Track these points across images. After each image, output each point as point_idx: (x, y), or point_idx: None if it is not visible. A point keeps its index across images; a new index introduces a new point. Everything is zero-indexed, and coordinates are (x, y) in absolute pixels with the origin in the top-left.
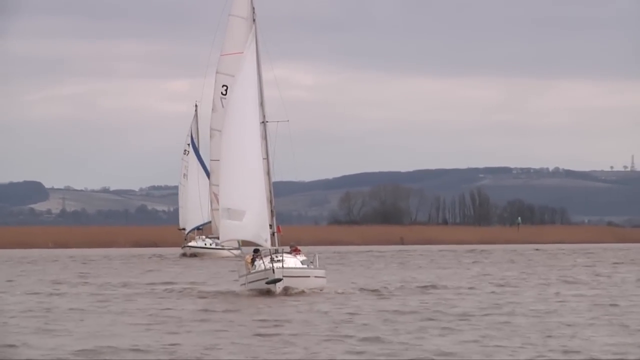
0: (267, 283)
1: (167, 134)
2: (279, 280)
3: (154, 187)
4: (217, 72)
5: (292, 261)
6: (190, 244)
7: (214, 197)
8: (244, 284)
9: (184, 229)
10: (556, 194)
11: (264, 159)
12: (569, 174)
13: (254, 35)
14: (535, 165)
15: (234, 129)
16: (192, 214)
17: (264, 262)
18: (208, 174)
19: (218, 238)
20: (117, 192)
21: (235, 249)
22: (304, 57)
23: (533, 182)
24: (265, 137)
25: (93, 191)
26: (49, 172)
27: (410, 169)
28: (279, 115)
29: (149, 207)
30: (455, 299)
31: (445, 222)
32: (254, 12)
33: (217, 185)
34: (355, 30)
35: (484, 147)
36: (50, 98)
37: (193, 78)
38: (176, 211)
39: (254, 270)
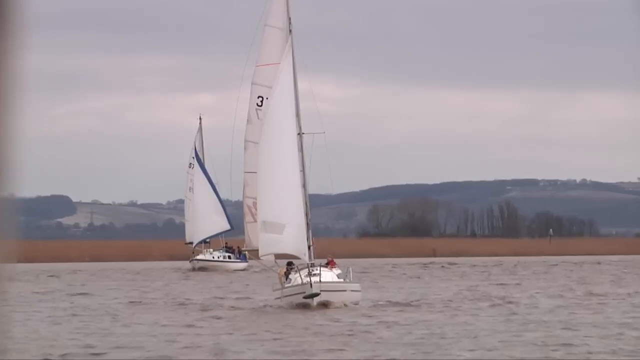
0: (304, 297)
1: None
2: (317, 294)
3: (181, 201)
4: (252, 83)
5: (328, 275)
6: (197, 257)
7: (248, 210)
8: (280, 297)
9: (191, 243)
10: (583, 206)
11: (300, 171)
12: (596, 185)
13: (290, 45)
14: (562, 177)
15: (272, 140)
16: (199, 228)
17: (301, 276)
18: (214, 188)
19: (227, 251)
20: (145, 206)
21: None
22: (328, 69)
23: (560, 194)
24: (301, 149)
25: (120, 205)
26: (76, 186)
27: (437, 182)
28: (310, 127)
29: (177, 221)
30: None
31: (474, 235)
32: (290, 23)
33: (251, 198)
34: (379, 42)
35: (510, 159)
36: (76, 112)
37: (218, 91)
38: None
39: (289, 284)
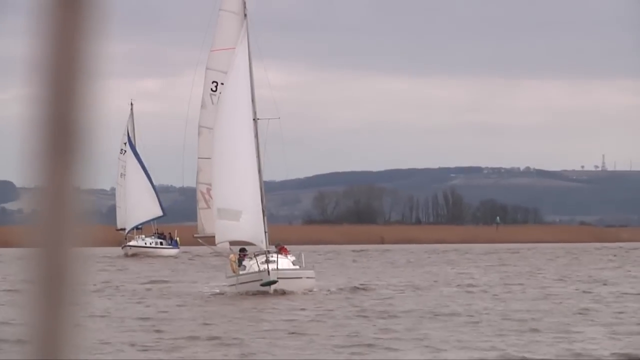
0: (262, 285)
1: (142, 132)
2: (275, 282)
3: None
4: (206, 68)
5: (284, 262)
6: (130, 243)
7: (201, 196)
8: (234, 284)
9: (123, 229)
10: (527, 194)
11: (256, 157)
12: (540, 173)
13: (245, 30)
14: (506, 164)
15: (228, 126)
16: (131, 214)
17: (257, 263)
18: (147, 173)
19: (159, 237)
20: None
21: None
22: (273, 56)
23: (504, 182)
24: (256, 135)
25: None
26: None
27: (381, 169)
28: (260, 114)
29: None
30: None
31: (419, 222)
32: (245, 7)
33: (205, 184)
34: (323, 29)
35: (454, 146)
36: (21, 97)
37: (163, 77)
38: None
39: (244, 272)
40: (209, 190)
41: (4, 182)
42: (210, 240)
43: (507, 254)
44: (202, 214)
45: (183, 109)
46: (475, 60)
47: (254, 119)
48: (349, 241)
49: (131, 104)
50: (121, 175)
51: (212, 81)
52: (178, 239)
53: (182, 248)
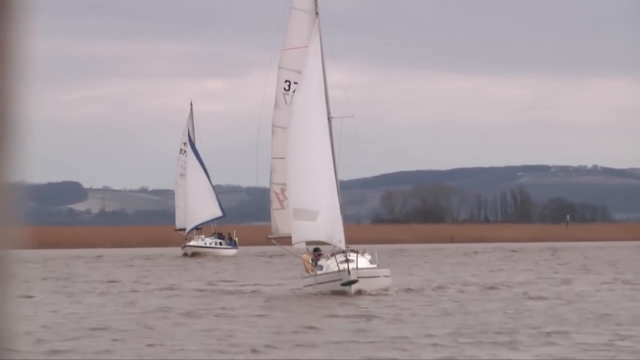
0: (342, 285)
1: (202, 132)
2: (355, 281)
3: None
4: (279, 68)
5: (363, 261)
6: (190, 243)
7: (275, 197)
8: (312, 284)
9: (182, 229)
10: (595, 192)
11: (331, 155)
12: (607, 171)
13: (317, 28)
14: (573, 163)
15: (302, 125)
16: (192, 214)
17: (337, 262)
18: (207, 173)
19: (218, 237)
20: (155, 192)
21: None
22: (338, 55)
23: (571, 180)
24: (330, 133)
25: (132, 191)
26: (87, 172)
27: (448, 168)
28: (335, 112)
29: None
30: None
31: (487, 220)
32: (316, 5)
33: (279, 184)
34: (387, 28)
35: (520, 145)
36: (86, 98)
37: (227, 77)
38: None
39: (323, 272)
40: (283, 190)
41: None
42: (283, 241)
43: (595, 250)
44: (276, 215)
45: (248, 109)
46: (540, 58)
47: (328, 118)
48: (418, 240)
49: (191, 103)
50: (181, 175)
51: (284, 80)
52: (237, 239)
53: (241, 248)
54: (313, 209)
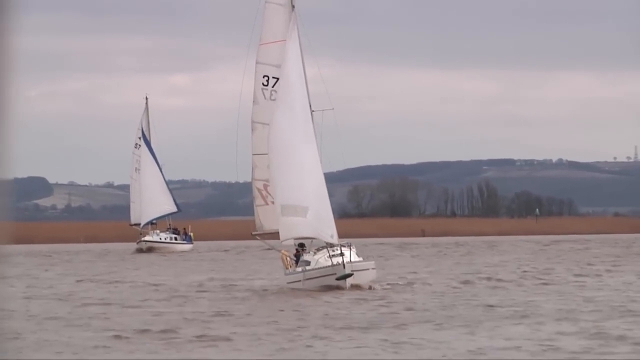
0: (337, 279)
1: (168, 128)
2: (351, 275)
3: None
4: (256, 63)
5: (352, 255)
6: (145, 238)
7: (258, 193)
8: (300, 280)
9: (137, 224)
10: (560, 186)
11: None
12: (573, 165)
13: (295, 22)
14: (538, 156)
15: (286, 120)
16: (146, 209)
17: (330, 256)
18: (160, 168)
19: (173, 232)
20: (121, 187)
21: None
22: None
23: (537, 174)
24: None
25: (97, 186)
26: (52, 168)
27: (414, 162)
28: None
29: None
30: None
31: (454, 215)
32: None
33: (261, 180)
34: (351, 22)
35: (485, 139)
36: (50, 94)
37: (192, 72)
38: (182, 206)
39: (311, 267)
40: (265, 186)
41: None
42: (268, 237)
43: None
44: (259, 211)
45: (213, 104)
46: (504, 52)
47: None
48: (388, 234)
49: (146, 98)
50: (136, 169)
51: (263, 75)
52: (192, 234)
53: (202, 242)
54: (302, 204)
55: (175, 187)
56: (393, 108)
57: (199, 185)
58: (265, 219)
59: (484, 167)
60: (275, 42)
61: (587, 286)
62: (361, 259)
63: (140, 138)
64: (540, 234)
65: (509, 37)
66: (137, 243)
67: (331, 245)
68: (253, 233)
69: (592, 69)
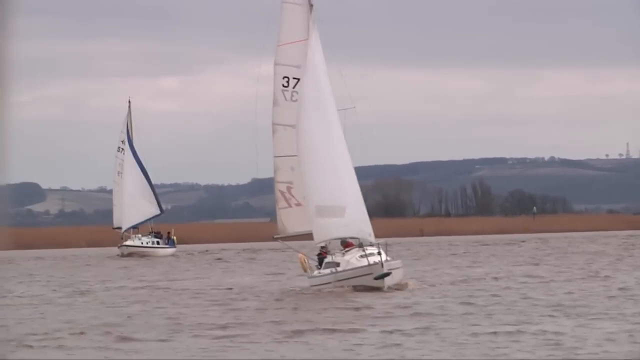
0: (375, 278)
1: (158, 131)
2: (389, 274)
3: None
4: (275, 64)
5: (382, 255)
6: (126, 243)
7: (281, 195)
8: (330, 282)
9: (119, 228)
10: (552, 183)
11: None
12: (565, 162)
13: (314, 21)
14: (530, 155)
15: (314, 121)
16: (128, 213)
17: (366, 255)
18: (144, 171)
19: (156, 236)
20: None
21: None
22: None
23: (529, 172)
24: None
25: (90, 191)
26: (45, 173)
27: (406, 162)
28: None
29: None
30: None
31: (448, 214)
32: None
33: (284, 183)
34: (338, 23)
35: (477, 138)
36: (40, 99)
37: (182, 75)
38: (174, 209)
39: (344, 268)
40: (289, 188)
41: None
42: (290, 239)
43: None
44: (282, 214)
45: (205, 107)
46: (490, 51)
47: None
48: (386, 234)
49: (129, 101)
50: (118, 173)
51: (282, 77)
52: (175, 238)
53: (180, 247)
54: (339, 204)
55: (167, 191)
56: (382, 109)
57: (191, 188)
58: (289, 221)
59: (477, 166)
60: (294, 42)
61: None
62: (390, 258)
63: (123, 142)
64: (537, 232)
65: (499, 36)
66: (119, 247)
67: (360, 245)
68: (275, 236)
69: (583, 66)
